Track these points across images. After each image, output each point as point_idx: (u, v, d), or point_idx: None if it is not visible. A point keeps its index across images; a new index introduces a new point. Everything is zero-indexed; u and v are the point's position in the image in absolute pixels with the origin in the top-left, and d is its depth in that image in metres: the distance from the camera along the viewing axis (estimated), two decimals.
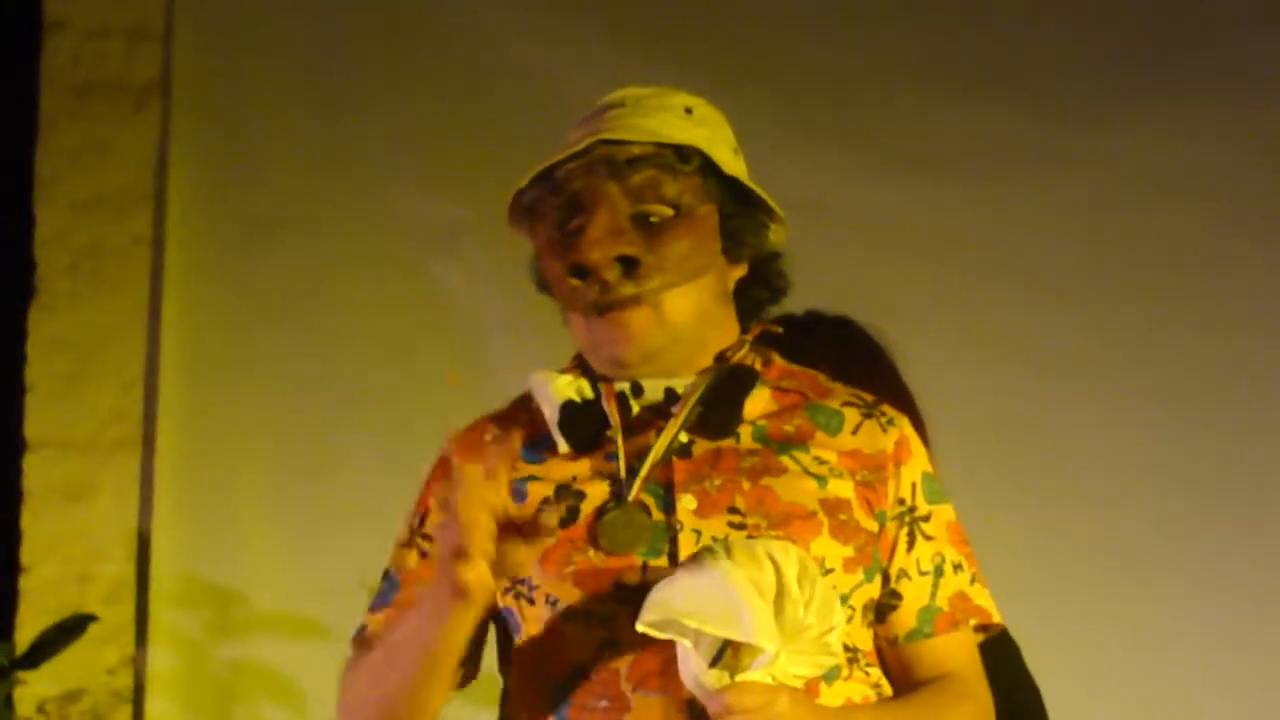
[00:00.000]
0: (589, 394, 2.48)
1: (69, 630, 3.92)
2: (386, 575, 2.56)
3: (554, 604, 2.41)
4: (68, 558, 4.16)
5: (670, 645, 2.29)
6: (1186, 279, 4.14)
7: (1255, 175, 4.16)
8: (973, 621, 2.52)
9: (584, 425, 2.46)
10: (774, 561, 2.24)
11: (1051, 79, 4.20)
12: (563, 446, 2.46)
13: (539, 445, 2.49)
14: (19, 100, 4.24)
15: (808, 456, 2.46)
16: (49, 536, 4.17)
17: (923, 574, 2.50)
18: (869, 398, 2.55)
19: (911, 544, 2.50)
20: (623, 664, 2.37)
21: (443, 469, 2.54)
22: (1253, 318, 4.13)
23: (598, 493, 2.43)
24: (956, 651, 2.51)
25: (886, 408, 2.55)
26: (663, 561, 2.38)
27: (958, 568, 2.52)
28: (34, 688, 4.08)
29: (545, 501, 2.43)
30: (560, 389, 2.48)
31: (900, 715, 2.44)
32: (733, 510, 2.40)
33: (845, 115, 4.22)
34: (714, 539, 2.37)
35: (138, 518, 4.16)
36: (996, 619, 2.54)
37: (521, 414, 2.54)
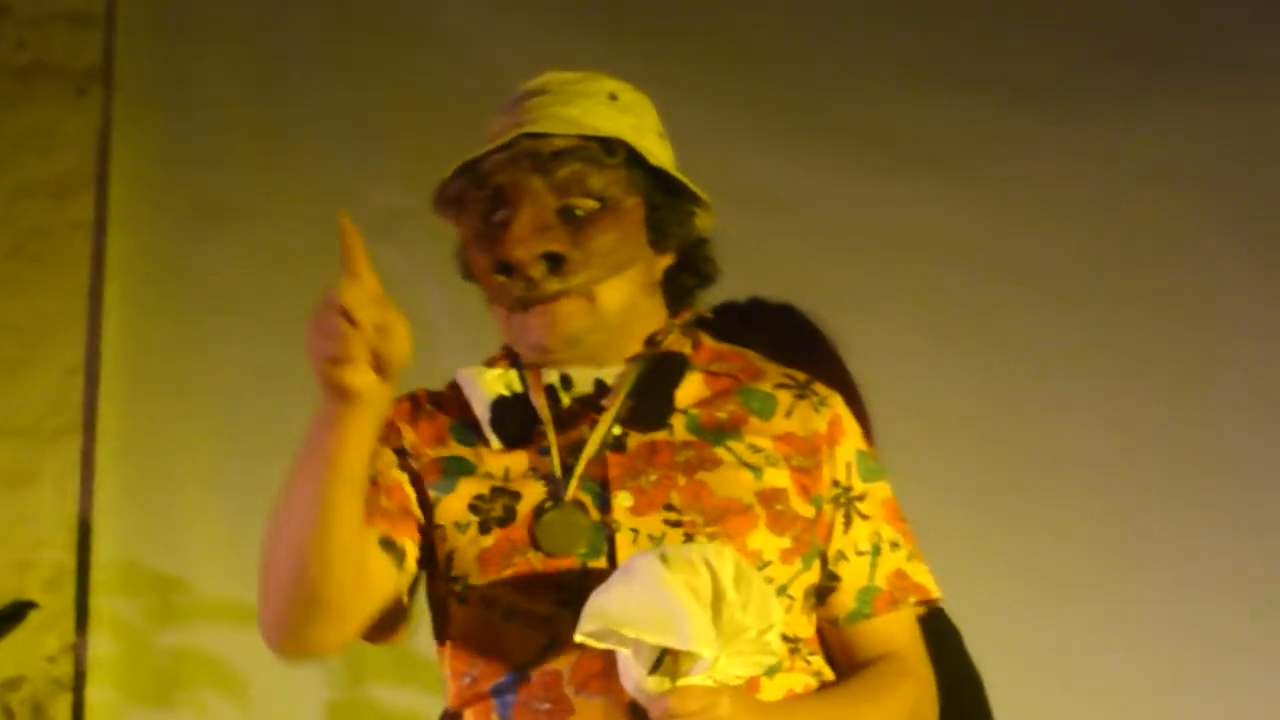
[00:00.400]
0: (518, 387, 2.48)
1: (9, 618, 3.91)
2: None
3: (492, 605, 2.40)
4: (8, 544, 4.14)
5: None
6: (1178, 273, 4.16)
7: (1253, 170, 4.17)
8: (912, 599, 2.53)
9: (515, 421, 2.46)
10: (709, 565, 2.23)
11: (1047, 74, 4.20)
12: (495, 444, 2.46)
13: (471, 430, 2.49)
14: None
15: (742, 445, 2.45)
16: None
17: (860, 554, 2.50)
18: (801, 377, 2.54)
19: (848, 525, 2.50)
20: (565, 666, 2.36)
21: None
22: (1244, 312, 4.14)
23: (533, 491, 2.42)
24: (897, 631, 2.52)
25: (819, 386, 2.54)
26: (601, 562, 2.37)
27: (895, 545, 2.52)
28: None
29: (478, 499, 2.43)
30: (489, 384, 2.48)
31: (840, 701, 2.44)
32: (669, 507, 2.40)
33: (813, 106, 4.22)
34: (651, 538, 2.37)
35: (78, 504, 4.14)
36: (935, 594, 2.55)
37: (455, 396, 2.53)
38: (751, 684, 2.33)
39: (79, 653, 4.11)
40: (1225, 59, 4.19)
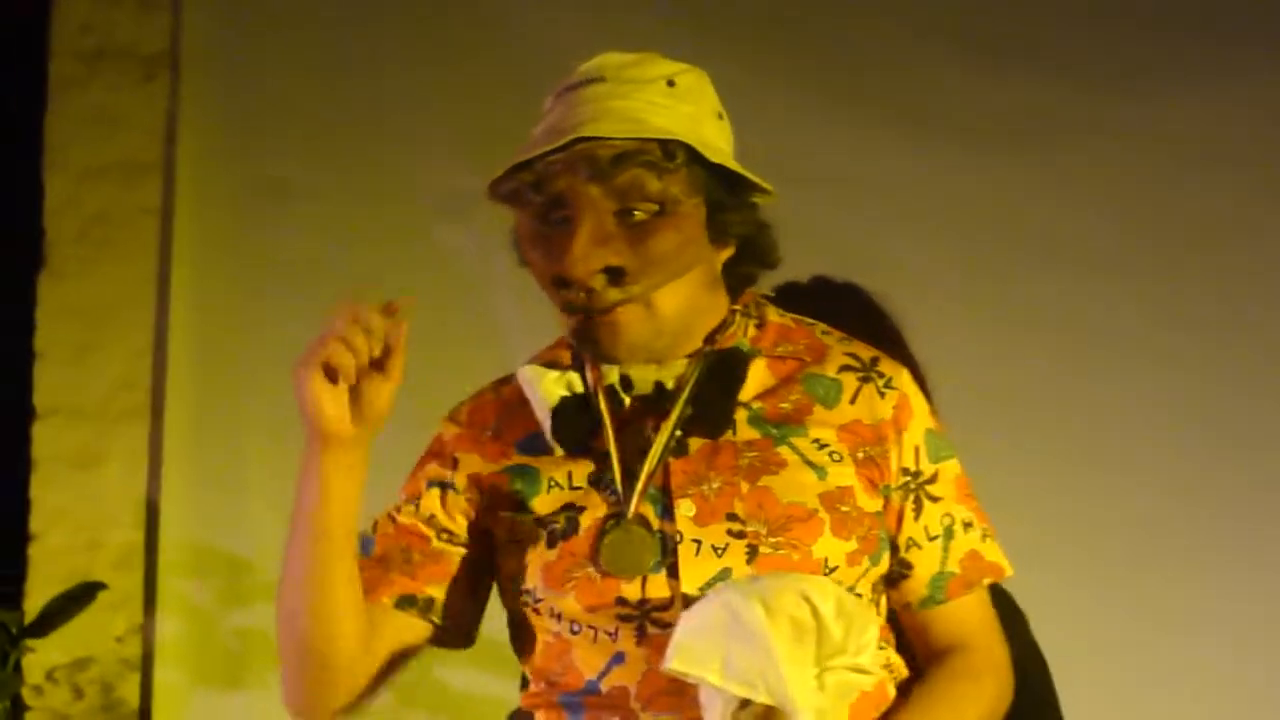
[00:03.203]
0: (579, 387, 2.45)
1: (78, 598, 3.92)
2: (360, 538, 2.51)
3: (559, 617, 2.40)
4: (77, 525, 4.17)
5: None
6: (1243, 255, 4.12)
7: None
8: (986, 580, 2.51)
9: (577, 426, 2.43)
10: (810, 602, 2.22)
11: (1110, 53, 4.17)
12: (558, 450, 2.44)
13: (536, 438, 2.47)
14: (29, 68, 4.23)
15: (806, 441, 2.42)
16: (58, 504, 4.18)
17: (932, 539, 2.48)
18: (866, 356, 2.50)
19: (919, 511, 2.47)
20: (631, 682, 2.36)
21: (438, 451, 2.53)
22: None
23: (595, 503, 2.40)
24: (970, 615, 2.50)
25: (884, 365, 2.50)
26: (661, 575, 2.35)
27: (968, 526, 2.50)
28: (43, 655, 4.08)
29: (543, 516, 2.41)
30: (549, 389, 2.45)
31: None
32: (731, 517, 2.36)
33: (876, 84, 4.19)
34: (714, 549, 2.34)
35: (146, 485, 4.16)
36: (1009, 572, 2.54)
37: (520, 395, 2.51)
38: None
39: (147, 633, 4.13)
40: (1263, 33, 4.15)
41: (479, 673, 3.95)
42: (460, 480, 2.49)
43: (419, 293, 4.16)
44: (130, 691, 4.12)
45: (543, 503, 2.42)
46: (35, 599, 4.04)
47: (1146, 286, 4.12)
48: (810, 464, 2.40)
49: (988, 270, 4.12)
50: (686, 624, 2.24)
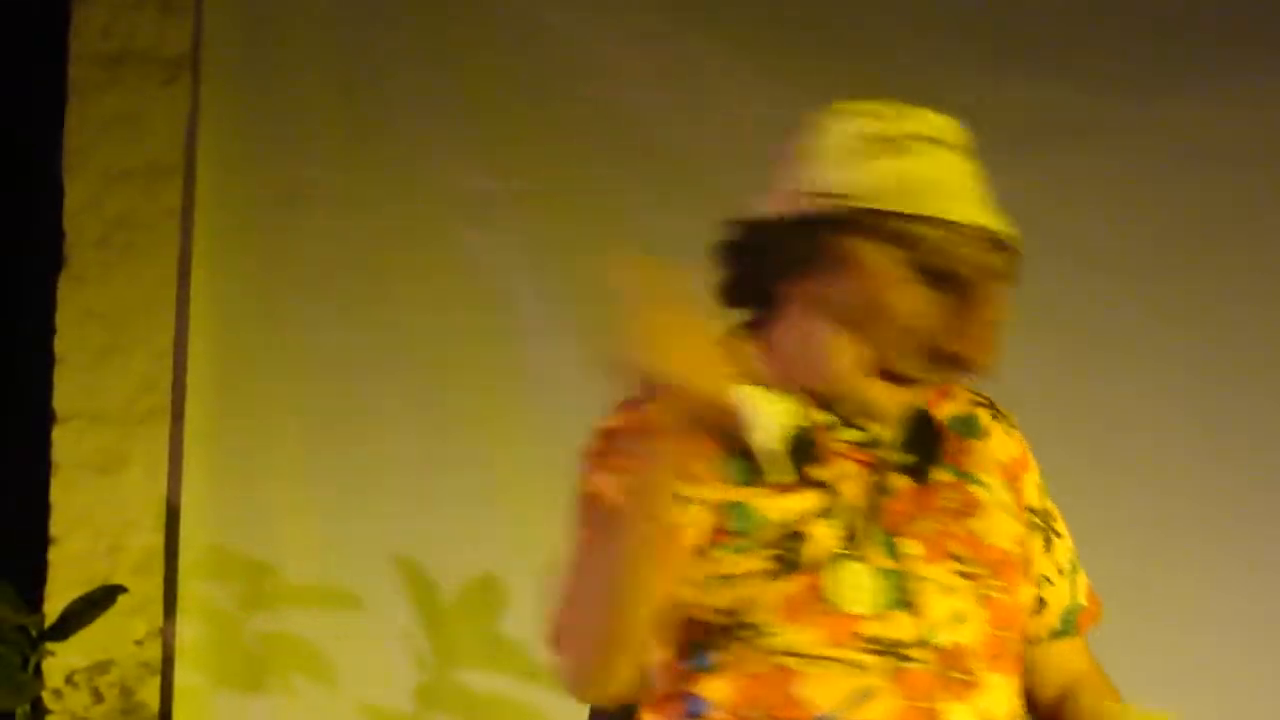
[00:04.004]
0: (800, 420, 2.39)
1: (98, 602, 3.93)
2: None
3: (794, 651, 2.33)
4: (97, 529, 4.17)
5: (941, 697, 2.29)
6: (1217, 250, 4.13)
7: None
8: (1100, 617, 2.52)
9: (800, 459, 2.36)
10: None
11: (1088, 49, 4.18)
12: (781, 477, 2.36)
13: (740, 463, 2.39)
14: (49, 71, 4.24)
15: (994, 481, 2.41)
16: (78, 508, 4.18)
17: (1062, 574, 2.46)
18: (982, 393, 2.49)
19: (1049, 546, 2.46)
20: (880, 716, 2.31)
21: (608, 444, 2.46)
22: None
23: (822, 536, 2.34)
24: (1085, 645, 2.51)
25: (997, 403, 2.49)
26: (905, 613, 2.32)
27: (1080, 561, 2.52)
28: (63, 659, 4.08)
29: (769, 544, 2.38)
30: (774, 416, 2.36)
31: None
32: (954, 557, 2.34)
33: (872, 83, 4.19)
34: (948, 590, 2.31)
35: (167, 489, 4.16)
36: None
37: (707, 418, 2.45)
38: None
39: (167, 637, 4.13)
40: (1270, 32, 4.16)
41: (500, 676, 3.96)
42: (697, 496, 2.43)
43: (437, 294, 4.20)
44: (150, 695, 4.12)
45: (765, 533, 2.39)
46: (55, 602, 4.04)
47: (1146, 286, 4.12)
48: (1001, 507, 2.40)
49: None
50: None
